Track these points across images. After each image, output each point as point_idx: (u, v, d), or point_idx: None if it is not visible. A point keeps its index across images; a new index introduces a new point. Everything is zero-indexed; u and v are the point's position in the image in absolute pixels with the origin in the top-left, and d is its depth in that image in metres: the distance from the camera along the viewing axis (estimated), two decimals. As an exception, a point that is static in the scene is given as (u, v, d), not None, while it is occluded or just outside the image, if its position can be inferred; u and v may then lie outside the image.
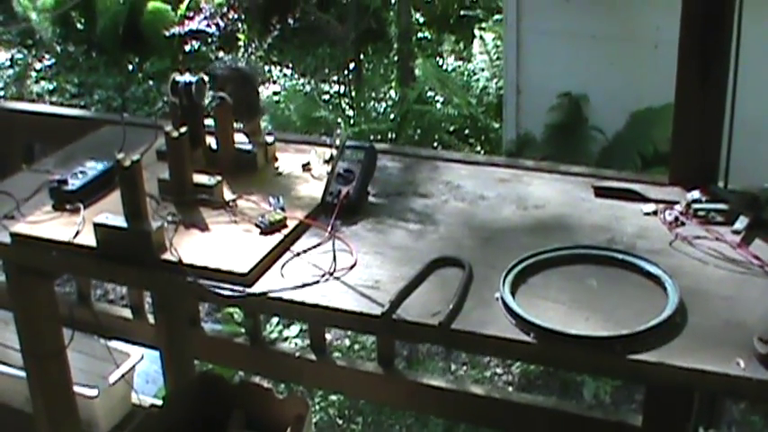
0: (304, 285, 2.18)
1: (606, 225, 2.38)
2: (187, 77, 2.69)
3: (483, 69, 8.34)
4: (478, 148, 7.69)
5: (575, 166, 2.85)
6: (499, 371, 5.20)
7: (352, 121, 8.01)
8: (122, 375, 3.63)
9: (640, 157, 6.34)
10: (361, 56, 9.37)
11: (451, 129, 7.90)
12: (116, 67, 10.54)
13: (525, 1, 6.80)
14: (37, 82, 10.42)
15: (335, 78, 9.53)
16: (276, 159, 2.83)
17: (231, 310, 5.28)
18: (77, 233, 2.40)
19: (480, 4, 10.23)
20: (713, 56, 2.46)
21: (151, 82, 10.06)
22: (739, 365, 1.80)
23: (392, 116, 8.09)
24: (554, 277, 2.16)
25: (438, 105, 8.09)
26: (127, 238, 2.31)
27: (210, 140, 2.78)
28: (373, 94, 8.65)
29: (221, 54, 10.55)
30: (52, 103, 9.43)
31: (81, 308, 3.93)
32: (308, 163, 2.78)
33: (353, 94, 8.76)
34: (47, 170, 2.85)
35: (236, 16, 11.21)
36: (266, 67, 10.15)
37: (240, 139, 2.79)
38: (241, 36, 10.74)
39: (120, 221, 2.32)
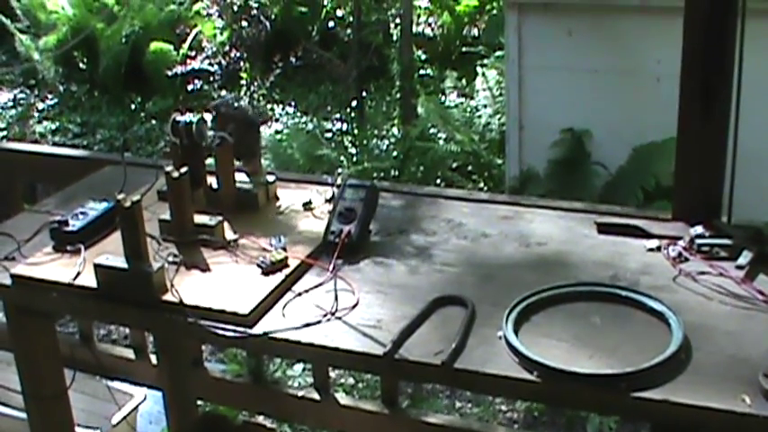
0: (306, 325, 2.17)
1: (609, 261, 2.37)
2: (188, 117, 2.69)
3: (485, 106, 8.34)
4: (482, 185, 7.68)
5: (577, 202, 2.84)
6: (504, 408, 5.17)
7: (354, 159, 8.01)
8: (125, 416, 3.62)
9: (643, 191, 6.33)
10: (364, 93, 9.40)
11: (454, 165, 7.90)
12: (119, 106, 10.56)
13: (527, 37, 6.81)
14: (40, 122, 10.45)
15: (338, 116, 9.56)
16: (277, 198, 2.83)
17: (235, 349, 5.25)
18: (78, 274, 2.40)
19: (482, 41, 10.26)
20: (715, 91, 2.46)
21: (154, 121, 10.08)
22: (745, 402, 1.79)
23: (395, 154, 8.09)
24: (557, 315, 2.15)
25: (441, 142, 8.08)
26: (127, 278, 2.30)
27: (211, 180, 2.77)
28: (376, 132, 8.66)
29: (224, 93, 10.59)
30: (55, 143, 9.44)
31: (83, 348, 3.91)
32: (310, 201, 2.77)
33: (356, 131, 8.77)
34: (47, 211, 2.85)
35: (238, 55, 11.26)
36: (268, 106, 10.18)
37: (241, 179, 2.79)
38: (243, 74, 10.79)
39: (120, 262, 2.32)
